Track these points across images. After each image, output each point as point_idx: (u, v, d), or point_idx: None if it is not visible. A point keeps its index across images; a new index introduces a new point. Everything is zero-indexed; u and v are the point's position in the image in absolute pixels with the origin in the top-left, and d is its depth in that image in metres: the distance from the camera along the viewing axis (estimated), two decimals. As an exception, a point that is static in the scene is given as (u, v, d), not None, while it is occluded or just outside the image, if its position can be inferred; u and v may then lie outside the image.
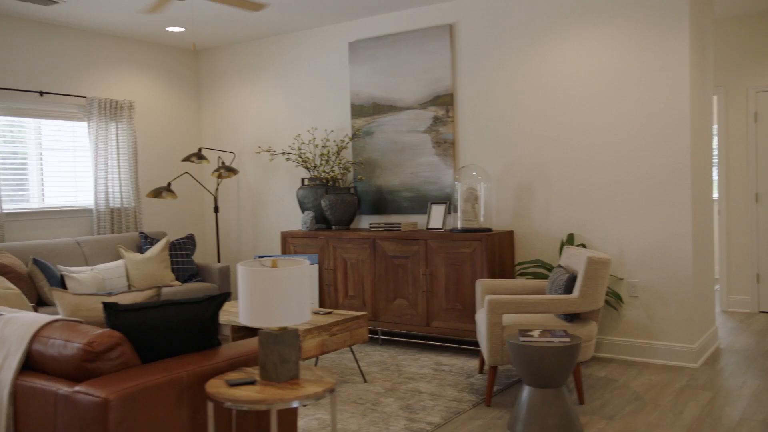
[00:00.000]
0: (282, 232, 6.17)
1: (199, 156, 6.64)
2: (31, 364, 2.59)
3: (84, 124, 6.45)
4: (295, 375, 2.49)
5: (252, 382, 2.43)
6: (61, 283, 5.35)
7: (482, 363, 4.68)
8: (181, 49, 7.30)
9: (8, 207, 5.84)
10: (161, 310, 2.63)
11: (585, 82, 5.12)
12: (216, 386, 2.42)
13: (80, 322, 2.72)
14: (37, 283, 5.25)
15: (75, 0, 5.41)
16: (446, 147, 5.75)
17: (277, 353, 2.42)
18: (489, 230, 5.26)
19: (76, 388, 2.31)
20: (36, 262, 5.29)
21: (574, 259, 4.26)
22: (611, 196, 5.04)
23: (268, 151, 6.77)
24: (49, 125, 6.19)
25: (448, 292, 5.22)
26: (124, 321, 2.57)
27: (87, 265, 5.90)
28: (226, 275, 6.37)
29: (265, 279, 2.37)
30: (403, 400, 4.13)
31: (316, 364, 4.99)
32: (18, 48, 5.89)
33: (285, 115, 6.83)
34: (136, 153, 6.68)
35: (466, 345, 5.49)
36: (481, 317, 4.28)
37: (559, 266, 4.46)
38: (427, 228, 5.60)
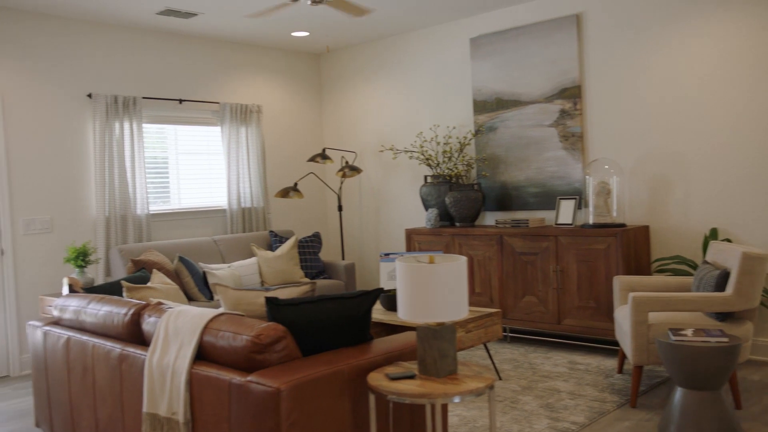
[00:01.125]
0: (407, 230, 6.24)
1: (323, 156, 6.83)
2: (201, 354, 2.75)
3: (217, 129, 6.80)
4: (454, 370, 2.51)
5: (412, 377, 2.47)
6: (203, 279, 5.66)
7: (621, 362, 4.52)
8: (305, 53, 7.54)
9: (153, 208, 6.25)
10: (319, 304, 2.72)
11: (725, 68, 4.82)
12: (377, 379, 2.48)
13: (242, 315, 2.87)
14: (183, 279, 5.59)
15: (210, 12, 5.71)
16: (574, 141, 5.60)
17: (437, 348, 2.45)
18: (623, 225, 5.07)
19: (249, 377, 2.44)
20: (182, 259, 5.63)
21: (724, 255, 4.03)
22: (759, 188, 4.73)
23: (391, 149, 6.86)
24: (187, 131, 6.58)
25: (581, 290, 5.08)
26: (285, 315, 2.68)
27: (224, 262, 6.21)
28: (351, 272, 6.51)
29: (424, 275, 2.41)
30: (542, 399, 4.06)
31: (447, 361, 5.00)
32: (161, 59, 6.29)
33: (406, 114, 6.89)
34: (264, 155, 6.97)
35: (600, 344, 5.33)
36: (623, 315, 4.13)
37: (705, 262, 4.23)
38: (556, 224, 5.47)
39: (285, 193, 6.65)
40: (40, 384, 3.84)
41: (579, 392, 4.16)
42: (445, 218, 6.32)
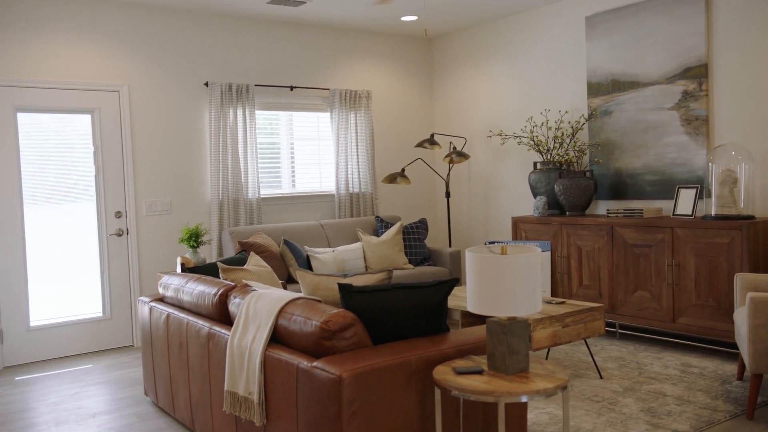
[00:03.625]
0: (513, 218, 6.03)
1: (431, 142, 6.74)
2: (276, 337, 2.79)
3: (327, 115, 6.91)
4: (525, 368, 2.37)
5: (479, 372, 2.36)
6: (307, 262, 5.80)
7: (741, 368, 4.12)
8: (414, 38, 7.47)
9: (265, 192, 6.47)
10: (392, 293, 2.67)
11: None
12: (443, 373, 2.39)
13: (319, 301, 2.88)
14: (288, 262, 5.75)
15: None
16: (698, 125, 5.14)
17: (506, 344, 2.32)
18: (751, 218, 4.60)
19: (315, 363, 2.44)
20: (286, 242, 5.79)
21: None
22: None
23: (500, 135, 6.65)
24: (297, 117, 6.74)
25: (699, 286, 4.67)
26: (358, 302, 2.66)
27: (329, 246, 6.32)
28: (456, 260, 6.41)
29: (494, 266, 2.28)
30: (645, 402, 3.78)
31: (547, 356, 4.79)
32: (272, 47, 6.48)
33: (516, 98, 6.65)
34: (372, 140, 7.00)
35: (721, 346, 4.88)
36: (741, 317, 3.75)
37: None
38: (674, 215, 5.06)
39: (392, 178, 6.64)
40: (147, 356, 4.09)
41: (688, 398, 3.83)
42: (554, 206, 6.05)
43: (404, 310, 2.67)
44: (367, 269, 6.15)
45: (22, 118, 5.31)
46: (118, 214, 5.70)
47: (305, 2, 5.85)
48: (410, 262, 6.39)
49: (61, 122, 5.49)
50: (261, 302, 2.94)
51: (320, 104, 6.83)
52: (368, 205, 6.98)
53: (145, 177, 5.81)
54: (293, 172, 6.71)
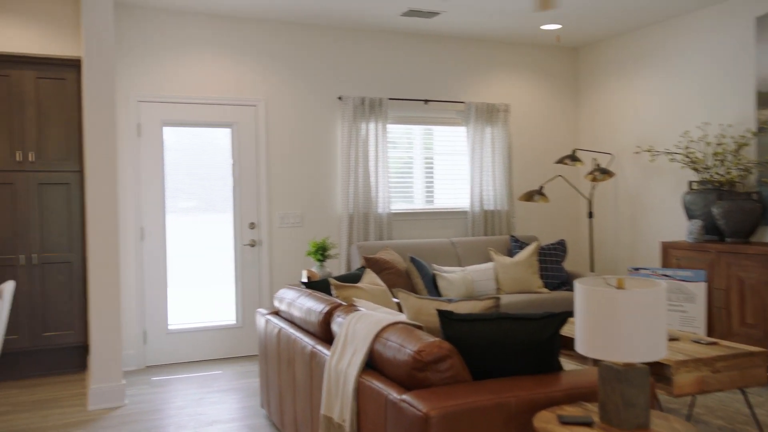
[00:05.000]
0: (663, 243, 5.45)
1: (572, 158, 6.30)
2: (372, 362, 2.62)
3: (462, 129, 6.69)
4: (644, 423, 2.00)
5: (588, 423, 2.03)
6: (433, 281, 5.60)
7: None
8: (557, 48, 7.07)
9: (395, 207, 6.38)
10: (496, 323, 2.40)
11: None
12: (546, 421, 2.09)
13: (420, 327, 2.67)
14: (413, 280, 5.58)
15: (454, 9, 5.60)
16: None
17: (620, 394, 1.98)
18: None
19: (403, 396, 2.23)
20: (413, 260, 5.63)
21: None
22: None
23: (649, 151, 6.06)
24: (431, 131, 6.58)
25: None
26: (458, 331, 2.42)
27: (459, 265, 6.08)
28: (596, 286, 5.90)
29: (607, 302, 1.95)
30: (814, 471, 3.16)
31: (693, 404, 4.21)
32: (406, 60, 6.39)
33: (669, 110, 6.03)
34: (510, 156, 6.68)
35: None
36: None
37: None
38: None
39: (529, 196, 6.28)
40: (263, 369, 4.10)
41: None
42: (712, 231, 5.38)
43: (509, 343, 2.39)
44: (498, 291, 5.84)
45: (168, 131, 5.62)
46: (252, 226, 5.86)
47: (439, 13, 5.70)
48: (546, 286, 5.98)
49: (202, 136, 5.75)
50: (360, 324, 2.78)
51: (455, 118, 6.63)
52: (503, 224, 6.65)
53: (279, 189, 5.93)
54: (426, 187, 6.56)
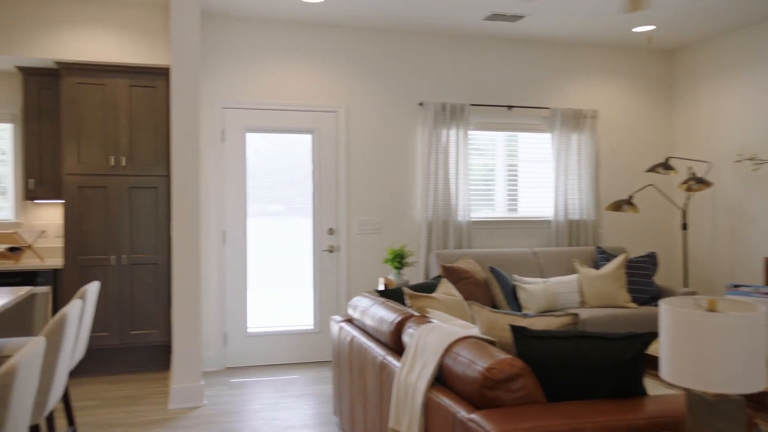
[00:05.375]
0: (766, 258, 5.05)
1: (665, 166, 5.97)
2: (441, 377, 2.53)
3: (547, 136, 6.48)
4: (738, 462, 1.81)
5: (674, 457, 1.85)
6: (512, 292, 5.42)
7: None
8: (650, 50, 6.72)
9: (476, 215, 6.24)
10: (573, 342, 2.26)
11: None
12: (625, 451, 1.93)
13: (493, 342, 2.56)
14: (492, 291, 5.43)
15: (539, 12, 5.43)
16: None
17: (711, 427, 1.79)
18: None
19: (472, 415, 2.12)
20: (492, 270, 5.48)
21: None
22: None
23: (752, 159, 5.65)
24: (515, 137, 6.41)
25: None
26: (532, 349, 2.29)
27: (541, 276, 5.87)
28: (690, 302, 5.54)
29: (696, 326, 1.78)
30: None
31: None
32: (488, 65, 6.25)
33: (776, 115, 5.61)
34: (597, 164, 6.40)
35: None
36: None
37: None
38: None
39: (617, 206, 6.00)
40: (336, 377, 4.07)
41: None
42: (822, 247, 4.94)
43: (587, 363, 2.23)
44: (583, 304, 5.59)
45: (250, 137, 5.73)
46: (331, 231, 5.88)
47: (524, 17, 5.54)
48: (634, 301, 5.68)
49: (283, 142, 5.82)
50: (431, 336, 2.69)
51: (539, 125, 6.43)
52: (589, 234, 6.38)
53: (358, 195, 5.92)
54: (508, 195, 6.38)
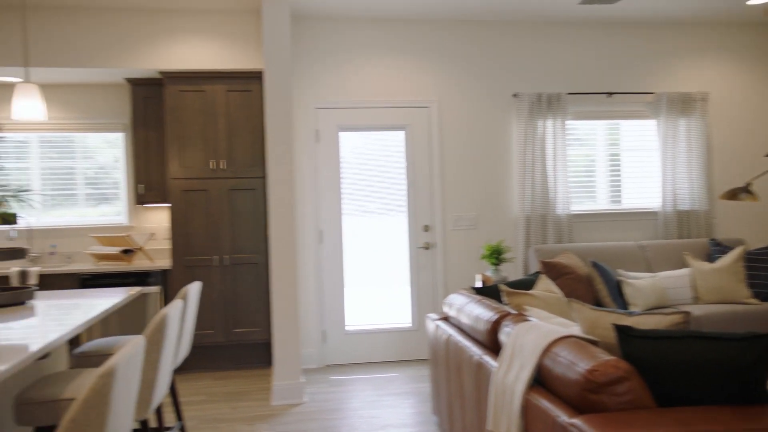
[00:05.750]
0: None
1: (787, 149, 5.49)
2: (540, 378, 2.41)
3: (652, 122, 6.12)
4: None
5: (805, 472, 1.66)
6: (617, 288, 5.16)
7: None
8: (767, 25, 6.22)
9: (576, 208, 5.99)
10: (685, 342, 2.09)
11: None
12: (748, 463, 1.75)
13: (595, 342, 2.41)
14: (595, 286, 5.19)
15: (640, -9, 5.13)
16: None
17: None
18: None
19: (573, 420, 2.01)
20: (595, 265, 5.24)
21: None
22: None
23: None
24: (617, 125, 6.10)
25: None
26: (639, 350, 2.13)
27: (649, 271, 5.56)
28: (819, 297, 5.08)
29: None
30: None
31: None
32: (585, 51, 5.98)
33: None
34: (708, 150, 5.99)
35: None
36: None
37: None
38: None
39: (733, 194, 5.57)
40: (434, 375, 4.01)
41: None
42: None
43: (701, 366, 2.06)
44: (697, 300, 5.25)
45: (343, 136, 5.77)
46: (426, 228, 5.82)
47: (624, -2, 5.25)
48: (756, 296, 5.27)
49: (376, 139, 5.82)
50: (529, 335, 2.58)
51: (643, 111, 6.09)
52: (701, 225, 5.98)
53: (453, 191, 5.83)
54: (611, 186, 6.09)
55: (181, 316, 3.02)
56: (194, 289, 3.28)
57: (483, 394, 2.91)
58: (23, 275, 5.37)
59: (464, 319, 3.44)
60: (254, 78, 5.54)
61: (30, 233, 5.91)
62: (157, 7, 5.37)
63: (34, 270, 5.39)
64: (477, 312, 3.27)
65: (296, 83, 5.66)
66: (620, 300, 5.11)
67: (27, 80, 3.81)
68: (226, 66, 5.49)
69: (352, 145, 5.80)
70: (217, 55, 5.48)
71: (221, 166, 5.51)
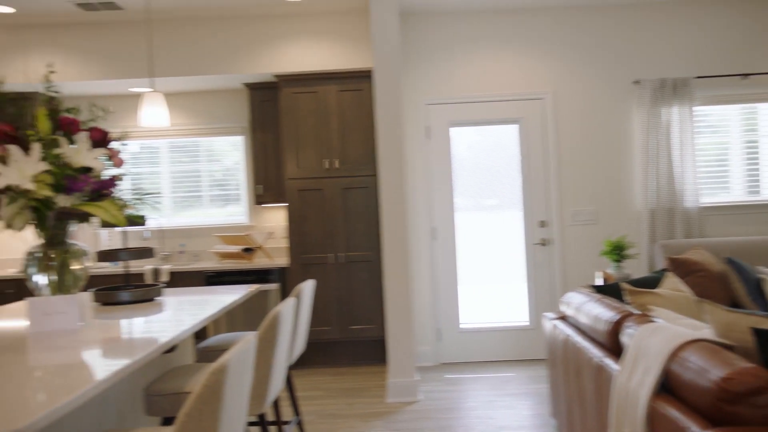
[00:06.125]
0: None
1: None
2: (666, 384, 2.23)
3: (795, 105, 5.58)
4: None
5: None
6: (756, 287, 4.73)
7: None
8: None
9: (707, 200, 5.57)
10: (838, 349, 1.85)
11: None
12: None
13: (729, 347, 2.20)
14: (731, 285, 4.79)
15: (778, -39, 4.67)
16: None
17: None
18: None
19: (706, 432, 1.83)
20: (730, 261, 4.84)
21: None
22: None
23: None
24: (755, 110, 5.61)
25: None
26: (782, 356, 1.92)
27: (793, 268, 5.06)
28: None
29: None
30: None
31: None
32: (715, 31, 5.54)
33: None
34: None
35: None
36: None
37: None
38: None
39: None
40: (552, 377, 3.86)
41: None
42: None
43: None
44: None
45: (454, 131, 5.69)
46: (543, 224, 5.63)
47: (760, -31, 4.81)
48: None
49: (489, 134, 5.69)
50: (654, 338, 2.40)
51: (784, 92, 5.56)
52: None
53: (570, 185, 5.60)
54: (748, 175, 5.61)
55: (294, 314, 3.08)
56: (308, 287, 3.34)
57: (604, 398, 2.75)
58: (156, 273, 5.73)
59: (583, 319, 3.27)
60: (365, 77, 5.58)
61: (162, 233, 6.30)
62: (271, 13, 5.54)
63: (166, 268, 5.74)
64: (597, 311, 3.10)
65: (406, 80, 5.64)
66: (761, 300, 4.68)
67: (153, 90, 4.04)
68: (337, 66, 5.57)
69: (464, 140, 5.71)
70: (329, 56, 5.57)
71: (335, 166, 5.59)
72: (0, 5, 5.04)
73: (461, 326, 5.67)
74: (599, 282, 4.84)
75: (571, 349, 3.32)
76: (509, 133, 5.67)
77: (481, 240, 5.72)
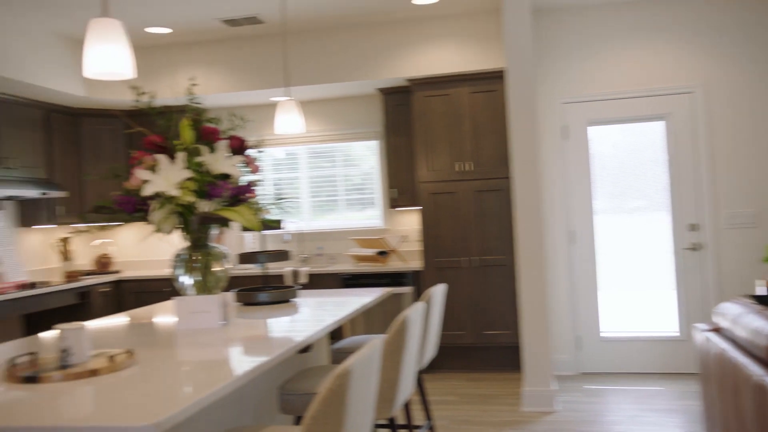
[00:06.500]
0: None
1: None
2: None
3: None
4: None
5: None
6: None
7: None
8: None
9: None
10: None
11: None
12: None
13: None
14: None
15: None
16: None
17: None
18: None
19: None
20: None
21: None
22: None
23: None
24: None
25: None
26: None
27: None
28: None
29: None
30: None
31: None
32: None
33: None
34: None
35: None
36: None
37: None
38: None
39: None
40: (705, 393, 3.54)
41: None
42: None
43: None
44: None
45: (592, 130, 5.42)
46: (693, 227, 5.21)
47: None
48: None
49: (630, 132, 5.36)
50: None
51: None
52: None
53: (725, 185, 5.14)
54: None
55: (423, 318, 3.05)
56: (438, 291, 3.30)
57: (767, 421, 2.47)
58: (295, 274, 5.96)
59: (740, 332, 2.97)
60: (497, 78, 5.46)
61: (301, 236, 6.54)
62: (401, 18, 5.57)
63: (304, 270, 5.95)
64: (756, 324, 2.80)
65: (540, 79, 5.45)
66: None
67: (289, 98, 4.20)
68: (469, 68, 5.49)
69: (603, 139, 5.42)
70: (460, 58, 5.51)
71: (467, 168, 5.52)
72: (159, 27, 5.47)
73: (602, 334, 5.38)
74: (761, 291, 4.39)
75: (727, 365, 3.02)
76: (653, 131, 5.31)
77: (623, 244, 5.39)
